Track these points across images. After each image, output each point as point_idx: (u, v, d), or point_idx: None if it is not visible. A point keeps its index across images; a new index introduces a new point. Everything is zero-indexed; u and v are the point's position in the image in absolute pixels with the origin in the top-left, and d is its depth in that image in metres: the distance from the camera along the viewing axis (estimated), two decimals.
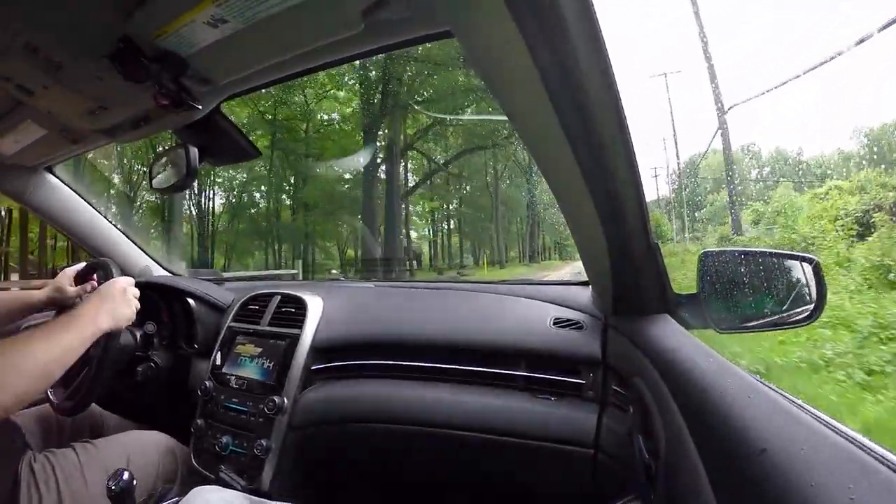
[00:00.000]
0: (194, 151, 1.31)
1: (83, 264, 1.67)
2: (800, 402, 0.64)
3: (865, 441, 0.50)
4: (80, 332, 1.18)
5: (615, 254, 1.06)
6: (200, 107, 1.11)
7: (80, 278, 1.63)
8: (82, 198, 2.01)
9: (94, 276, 1.62)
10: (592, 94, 0.69)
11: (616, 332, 1.28)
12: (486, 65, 0.73)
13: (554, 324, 1.40)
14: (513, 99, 0.79)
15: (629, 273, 1.11)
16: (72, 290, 1.58)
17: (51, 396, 1.43)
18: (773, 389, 0.68)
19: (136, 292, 1.42)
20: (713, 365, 0.79)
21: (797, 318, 1.16)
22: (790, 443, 0.51)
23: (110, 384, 1.50)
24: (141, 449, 1.44)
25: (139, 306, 1.42)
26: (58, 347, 1.10)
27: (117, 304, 1.32)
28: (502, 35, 0.61)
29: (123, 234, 2.15)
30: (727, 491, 0.56)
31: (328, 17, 0.81)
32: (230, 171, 24.46)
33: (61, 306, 1.58)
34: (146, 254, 2.24)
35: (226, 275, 2.91)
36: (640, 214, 0.95)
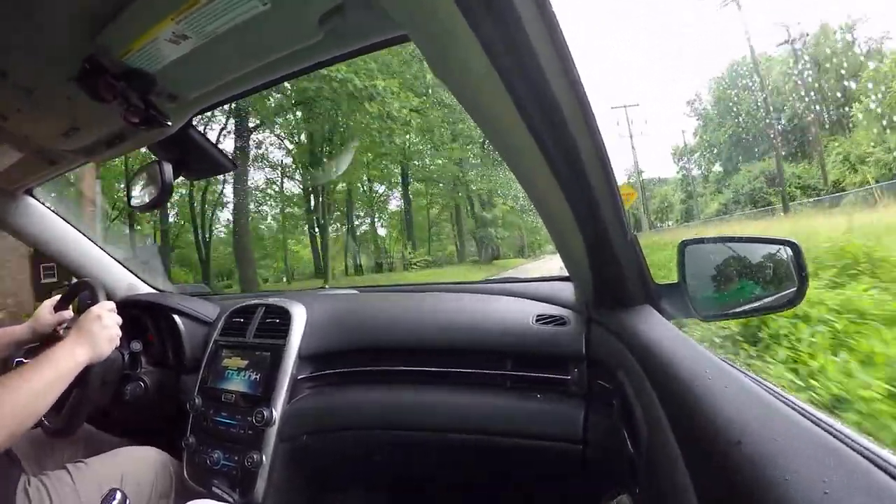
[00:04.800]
0: (168, 167, 1.32)
1: (59, 296, 1.69)
2: (777, 389, 0.64)
3: (841, 428, 0.50)
4: (59, 369, 1.22)
5: (592, 247, 1.06)
6: (170, 123, 1.12)
7: (60, 305, 1.65)
8: (64, 219, 2.00)
9: (77, 300, 1.63)
10: (555, 89, 0.69)
11: (599, 325, 1.28)
12: (444, 67, 0.72)
13: (537, 321, 1.40)
14: (475, 101, 0.78)
15: (608, 266, 1.11)
16: (50, 318, 1.62)
17: (43, 421, 1.43)
18: (751, 377, 0.69)
19: (116, 317, 1.43)
20: (692, 355, 0.80)
21: (780, 302, 1.18)
22: (765, 433, 0.51)
23: (102, 404, 1.51)
24: (134, 465, 1.44)
25: (119, 332, 1.43)
26: (40, 386, 1.16)
27: (94, 335, 1.34)
28: (457, 37, 0.60)
29: (107, 253, 2.14)
30: (705, 484, 0.56)
31: (286, 28, 0.82)
32: None
33: (42, 336, 1.60)
34: (131, 272, 2.23)
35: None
36: (613, 206, 0.95)
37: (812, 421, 0.52)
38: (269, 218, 26.38)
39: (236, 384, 1.58)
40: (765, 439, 0.50)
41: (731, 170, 37.25)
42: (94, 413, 1.50)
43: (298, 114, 21.76)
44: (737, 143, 37.60)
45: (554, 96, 0.70)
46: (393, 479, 1.64)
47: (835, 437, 0.48)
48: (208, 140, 1.34)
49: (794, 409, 0.56)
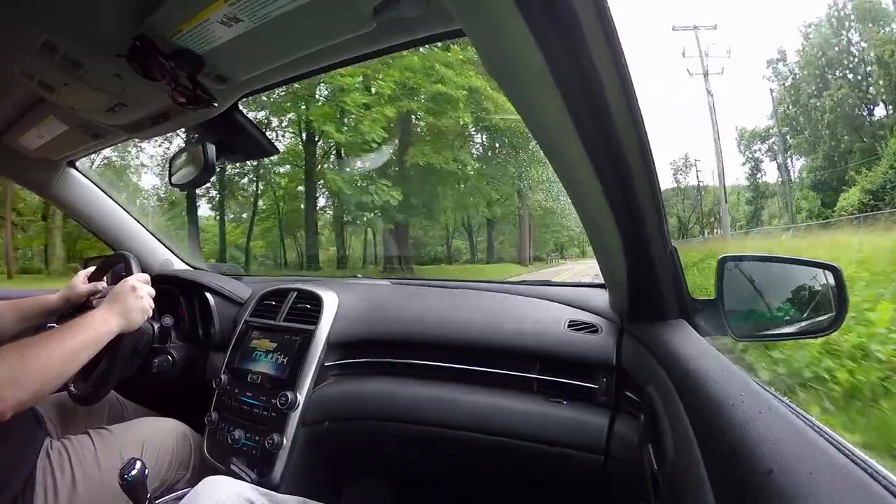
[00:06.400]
0: (211, 148, 1.34)
1: (94, 267, 1.72)
2: (812, 420, 0.62)
3: (876, 467, 0.48)
4: (91, 334, 1.24)
5: (631, 257, 1.04)
6: (217, 104, 1.13)
7: (95, 276, 1.69)
8: (104, 192, 2.05)
9: (110, 272, 1.67)
10: (607, 94, 0.68)
11: (631, 336, 1.26)
12: (497, 64, 0.72)
13: (569, 326, 1.39)
14: (526, 99, 0.78)
15: (646, 277, 1.09)
16: (84, 287, 1.64)
17: (70, 386, 1.46)
18: (786, 404, 0.67)
19: (150, 289, 1.46)
20: (726, 375, 0.78)
21: (817, 327, 1.16)
22: (798, 465, 0.49)
23: (129, 374, 1.54)
24: (155, 435, 1.47)
25: (153, 304, 1.45)
26: (71, 348, 1.18)
27: (128, 305, 1.36)
28: (512, 34, 0.59)
29: (144, 228, 2.18)
30: None
31: (339, 16, 0.82)
32: None
33: (75, 305, 1.63)
34: (167, 247, 2.27)
35: None
36: (656, 217, 0.94)
37: (848, 456, 0.50)
38: None
39: (263, 366, 1.60)
40: (798, 471, 0.48)
41: (836, 154, 27.24)
42: (121, 383, 1.53)
43: None
44: (847, 115, 27.21)
45: (605, 99, 0.69)
46: (410, 473, 1.65)
47: (871, 475, 0.46)
48: (252, 123, 1.35)
49: (829, 441, 0.54)
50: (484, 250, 28.46)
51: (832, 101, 27.15)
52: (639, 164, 0.82)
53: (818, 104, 28.26)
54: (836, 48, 27.42)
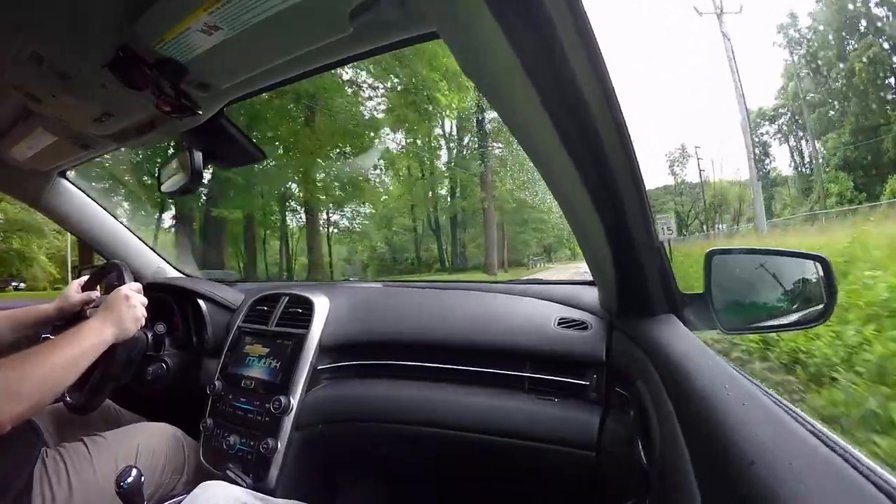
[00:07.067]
0: (198, 155, 1.35)
1: (87, 276, 1.73)
2: (795, 409, 0.62)
3: (857, 455, 0.48)
4: (86, 345, 1.25)
5: (618, 254, 1.05)
6: (201, 112, 1.14)
7: (88, 285, 1.70)
8: (95, 202, 2.05)
9: (104, 280, 1.67)
10: (585, 92, 0.68)
11: (621, 332, 1.27)
12: (474, 67, 0.72)
13: (559, 324, 1.39)
14: (504, 101, 0.78)
15: (633, 273, 1.09)
16: (77, 297, 1.65)
17: (65, 396, 1.47)
18: (769, 395, 0.67)
19: (143, 299, 1.46)
20: (712, 369, 0.78)
21: (806, 319, 1.16)
22: (779, 455, 0.49)
23: (124, 382, 1.54)
24: (149, 439, 1.48)
25: (145, 313, 1.46)
26: (67, 359, 1.18)
27: (122, 314, 1.37)
28: (486, 35, 0.60)
29: (136, 236, 2.18)
30: (715, 503, 0.55)
31: (317, 21, 0.82)
32: None
33: (69, 314, 1.64)
34: (159, 255, 2.28)
35: None
36: (641, 214, 0.94)
37: (828, 445, 0.50)
38: None
39: (256, 371, 1.61)
40: (778, 462, 0.48)
41: (862, 128, 22.88)
42: (116, 391, 1.53)
43: None
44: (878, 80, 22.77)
45: (583, 96, 0.69)
46: (404, 473, 1.65)
47: (850, 463, 0.46)
48: (239, 129, 1.35)
49: (810, 431, 0.54)
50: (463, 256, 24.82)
51: (861, 62, 23.14)
52: (621, 159, 0.82)
53: (844, 67, 24.19)
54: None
